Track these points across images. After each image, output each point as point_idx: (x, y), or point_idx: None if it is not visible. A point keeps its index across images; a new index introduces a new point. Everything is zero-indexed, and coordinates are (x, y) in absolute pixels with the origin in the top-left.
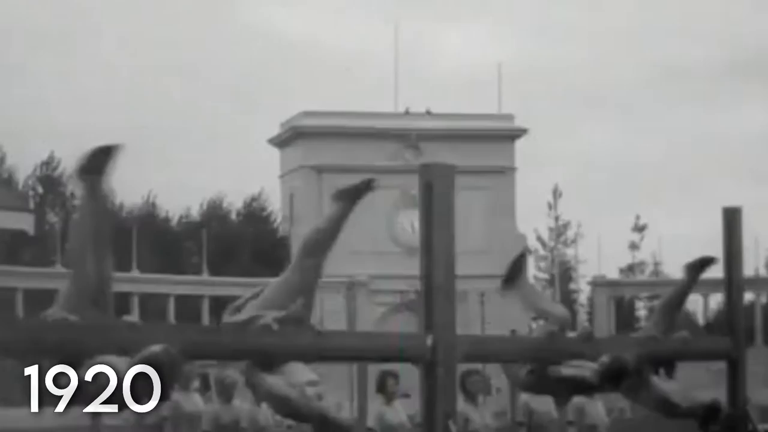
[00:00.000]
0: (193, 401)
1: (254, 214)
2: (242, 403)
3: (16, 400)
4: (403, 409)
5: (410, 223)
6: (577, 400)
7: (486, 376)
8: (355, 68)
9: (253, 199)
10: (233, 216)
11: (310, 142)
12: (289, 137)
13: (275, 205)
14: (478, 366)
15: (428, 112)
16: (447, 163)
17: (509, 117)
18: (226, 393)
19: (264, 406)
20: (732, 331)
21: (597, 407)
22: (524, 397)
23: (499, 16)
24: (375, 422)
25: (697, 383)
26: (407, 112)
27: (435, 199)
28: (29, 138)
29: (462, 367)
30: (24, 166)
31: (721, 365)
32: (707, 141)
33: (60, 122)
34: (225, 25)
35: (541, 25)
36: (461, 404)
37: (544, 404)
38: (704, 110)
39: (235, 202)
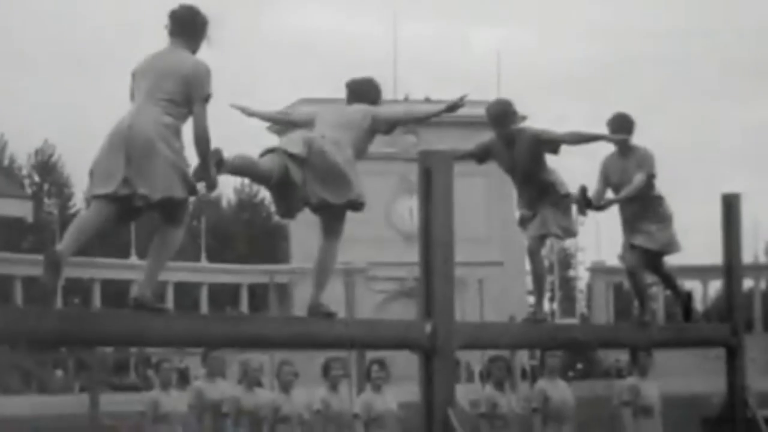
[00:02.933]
0: (218, 389)
1: (247, 201)
2: (268, 391)
3: (14, 388)
4: (394, 398)
5: (409, 210)
6: (632, 380)
7: (510, 363)
8: (354, 55)
9: (243, 185)
10: (224, 202)
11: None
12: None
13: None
14: (504, 352)
15: (427, 99)
16: (446, 150)
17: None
18: (250, 378)
19: (294, 393)
20: (731, 318)
21: (652, 388)
22: (540, 383)
23: (500, 6)
24: (361, 410)
25: (695, 370)
26: (406, 99)
27: (434, 185)
28: (26, 125)
29: (488, 353)
30: (21, 154)
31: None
32: (707, 130)
33: (57, 111)
34: (225, 12)
35: (542, 16)
36: (488, 390)
37: (559, 391)
38: (703, 101)
39: (221, 187)
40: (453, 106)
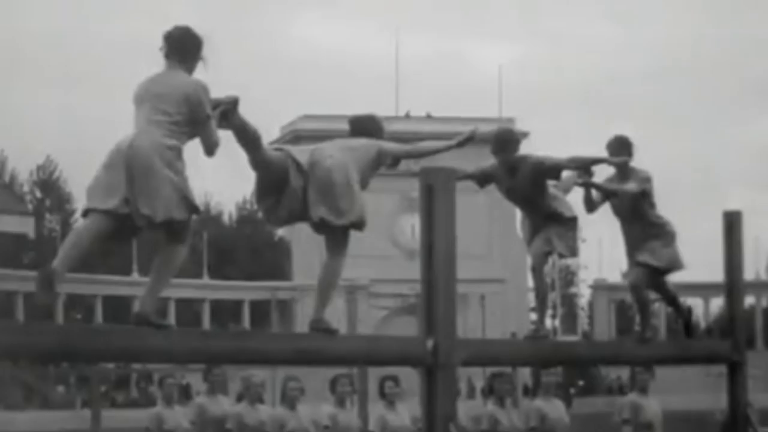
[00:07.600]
0: (220, 405)
1: (248, 217)
2: (271, 407)
3: (17, 403)
4: (407, 412)
5: (410, 226)
6: (632, 397)
7: (513, 379)
8: (356, 71)
9: (245, 200)
10: (225, 218)
11: (310, 145)
12: (290, 140)
13: None
14: (507, 368)
15: (428, 116)
16: (447, 167)
17: (510, 121)
18: (252, 395)
19: (300, 408)
20: (732, 334)
21: (653, 404)
22: (536, 402)
23: (500, 21)
24: (376, 426)
25: (697, 387)
26: (408, 116)
27: (436, 202)
28: (27, 141)
29: (490, 370)
30: (22, 170)
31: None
32: (709, 146)
33: (56, 125)
34: (226, 27)
35: (544, 32)
36: (490, 406)
37: (556, 410)
38: (707, 116)
39: (223, 204)
40: (463, 142)
